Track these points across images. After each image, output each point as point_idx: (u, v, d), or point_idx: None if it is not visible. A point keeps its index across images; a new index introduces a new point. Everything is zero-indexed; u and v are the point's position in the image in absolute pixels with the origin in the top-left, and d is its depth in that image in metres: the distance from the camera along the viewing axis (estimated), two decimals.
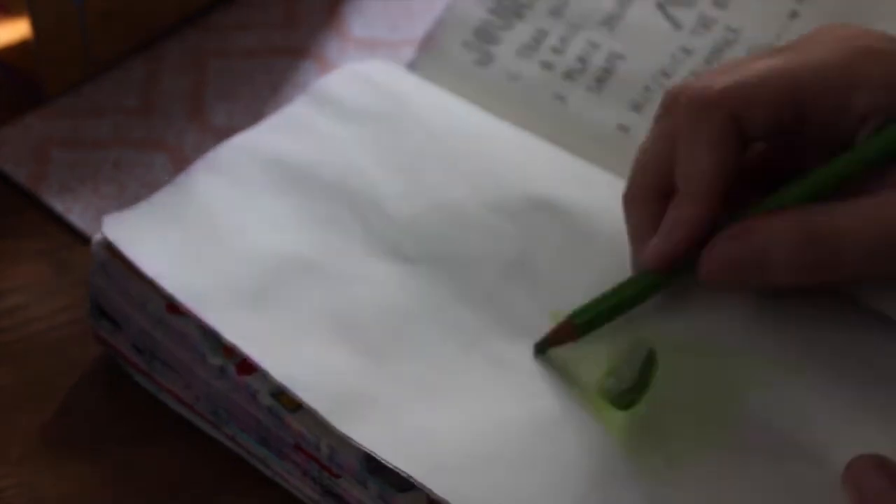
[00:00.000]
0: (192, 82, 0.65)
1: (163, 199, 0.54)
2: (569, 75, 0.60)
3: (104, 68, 0.65)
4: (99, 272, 0.53)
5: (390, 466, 0.46)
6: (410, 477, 0.46)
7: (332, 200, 0.54)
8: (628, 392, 0.49)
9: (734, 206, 0.49)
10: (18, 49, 0.65)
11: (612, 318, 0.50)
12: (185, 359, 0.51)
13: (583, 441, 0.48)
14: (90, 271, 0.53)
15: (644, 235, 0.50)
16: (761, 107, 0.48)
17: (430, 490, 0.46)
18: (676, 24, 0.61)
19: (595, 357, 0.50)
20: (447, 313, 0.51)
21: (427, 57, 0.62)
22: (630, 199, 0.50)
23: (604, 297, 0.50)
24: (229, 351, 0.50)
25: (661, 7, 0.61)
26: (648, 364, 0.50)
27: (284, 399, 0.49)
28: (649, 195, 0.50)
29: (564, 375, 0.50)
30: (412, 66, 0.62)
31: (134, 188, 0.61)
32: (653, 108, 0.59)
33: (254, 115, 0.63)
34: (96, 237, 0.53)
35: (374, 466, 0.47)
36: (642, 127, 0.58)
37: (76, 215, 0.59)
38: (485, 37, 0.62)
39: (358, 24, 0.67)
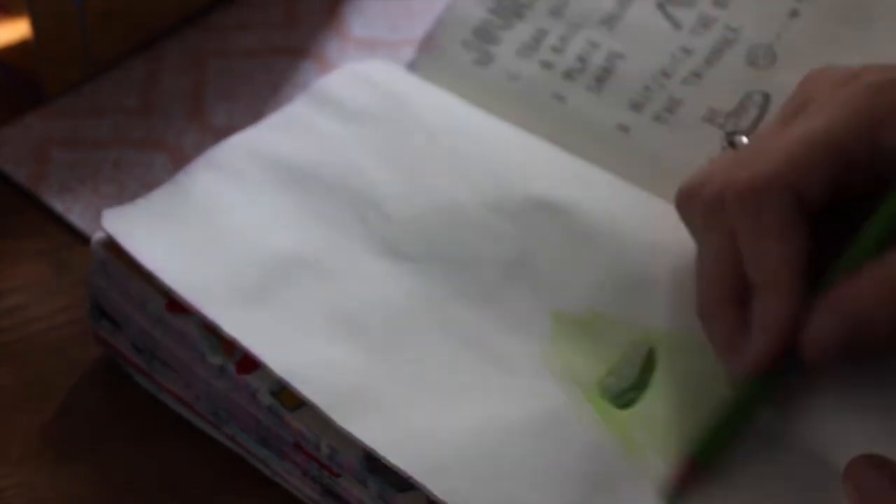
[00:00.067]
0: (192, 82, 0.65)
1: (162, 196, 0.54)
2: (568, 75, 0.60)
3: (104, 68, 0.65)
4: (99, 272, 0.53)
5: (390, 465, 0.46)
6: (410, 476, 0.46)
7: (332, 200, 0.54)
8: (628, 392, 0.49)
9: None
10: (18, 49, 0.65)
11: (732, 441, 0.48)
12: (184, 358, 0.51)
13: (583, 441, 0.48)
14: (90, 271, 0.53)
15: (733, 343, 0.48)
16: (815, 175, 0.47)
17: (429, 490, 0.46)
18: (676, 24, 0.61)
19: (595, 357, 0.50)
20: (447, 313, 0.51)
21: (427, 57, 0.62)
22: (707, 313, 0.48)
23: (718, 424, 0.47)
24: (229, 350, 0.50)
25: (660, 7, 0.61)
26: (648, 364, 0.50)
27: (284, 398, 0.49)
28: (725, 304, 0.48)
29: (564, 375, 0.50)
30: (412, 66, 0.62)
31: (134, 188, 0.61)
32: (653, 108, 0.59)
33: (254, 115, 0.63)
34: (96, 236, 0.53)
35: (373, 466, 0.47)
36: (642, 126, 0.58)
37: (76, 215, 0.59)
38: (485, 36, 0.62)
39: (358, 24, 0.67)
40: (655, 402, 0.49)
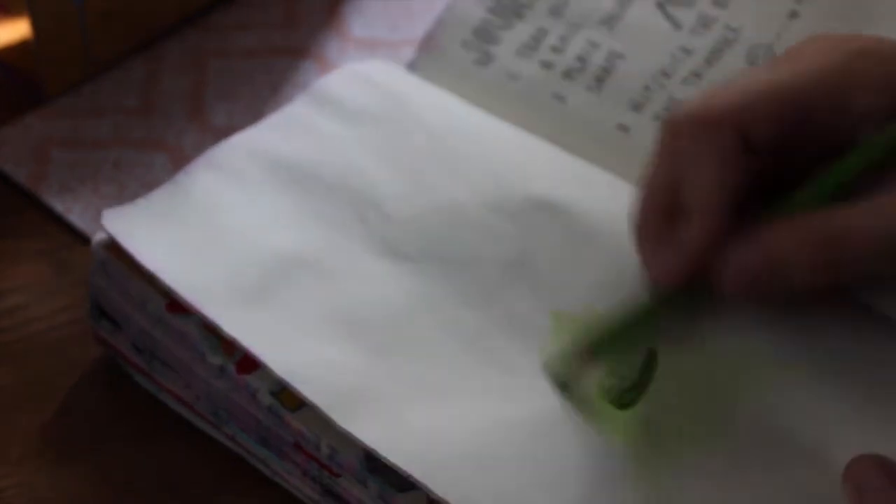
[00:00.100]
0: (192, 82, 0.65)
1: (162, 196, 0.54)
2: (568, 75, 0.60)
3: (104, 68, 0.65)
4: (99, 272, 0.53)
5: (390, 465, 0.46)
6: (410, 476, 0.46)
7: (332, 200, 0.54)
8: (628, 392, 0.49)
9: (741, 219, 0.49)
10: (18, 49, 0.65)
11: (624, 339, 0.49)
12: (184, 358, 0.51)
13: (583, 441, 0.48)
14: (90, 271, 0.53)
15: (655, 255, 0.49)
16: (765, 120, 0.48)
17: (429, 490, 0.46)
18: (676, 24, 0.61)
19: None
20: (447, 313, 0.51)
21: (427, 57, 0.62)
22: (639, 222, 0.50)
23: (620, 320, 0.49)
24: (229, 350, 0.50)
25: (660, 6, 0.61)
26: (648, 364, 0.50)
27: (284, 398, 0.49)
28: (658, 216, 0.50)
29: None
30: (412, 66, 0.62)
31: (134, 188, 0.61)
32: (653, 108, 0.59)
33: (254, 115, 0.63)
34: (96, 236, 0.53)
35: (374, 466, 0.47)
36: (642, 126, 0.58)
37: (76, 215, 0.60)
38: (484, 36, 0.62)
39: (358, 24, 0.67)
40: (655, 403, 0.49)
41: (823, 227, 0.47)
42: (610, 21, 0.61)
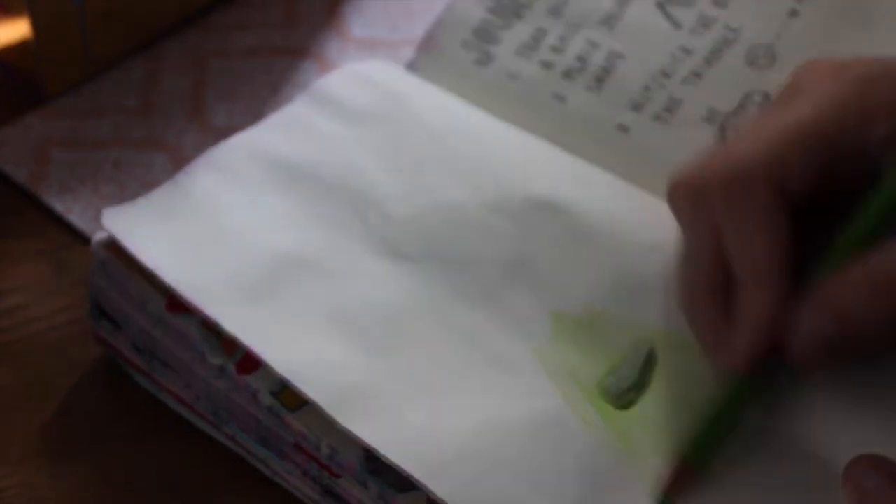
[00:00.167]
0: (192, 82, 0.65)
1: (162, 195, 0.54)
2: (568, 75, 0.60)
3: (104, 68, 0.65)
4: (99, 272, 0.53)
5: (390, 464, 0.46)
6: (410, 476, 0.46)
7: (332, 200, 0.54)
8: (628, 392, 0.49)
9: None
10: (18, 49, 0.65)
11: (723, 440, 0.47)
12: (184, 358, 0.51)
13: (582, 441, 0.48)
14: (90, 271, 0.53)
15: (718, 339, 0.47)
16: (799, 168, 0.47)
17: (429, 490, 0.46)
18: (676, 24, 0.61)
19: (595, 357, 0.50)
20: (447, 313, 0.51)
21: (427, 57, 0.62)
22: (690, 305, 0.48)
23: (708, 425, 0.47)
24: (229, 350, 0.50)
25: (660, 6, 0.61)
26: (648, 364, 0.50)
27: (285, 398, 0.49)
28: (708, 294, 0.47)
29: (564, 375, 0.50)
30: (412, 66, 0.62)
31: (134, 188, 0.61)
32: (653, 108, 0.59)
33: (254, 115, 0.63)
34: (96, 236, 0.53)
35: (374, 467, 0.47)
36: (642, 126, 0.58)
37: (76, 215, 0.60)
38: (484, 36, 0.62)
39: (358, 24, 0.67)
40: (655, 403, 0.49)
41: (881, 269, 0.45)
42: (610, 21, 0.61)
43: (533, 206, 0.54)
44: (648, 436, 0.48)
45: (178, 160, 0.61)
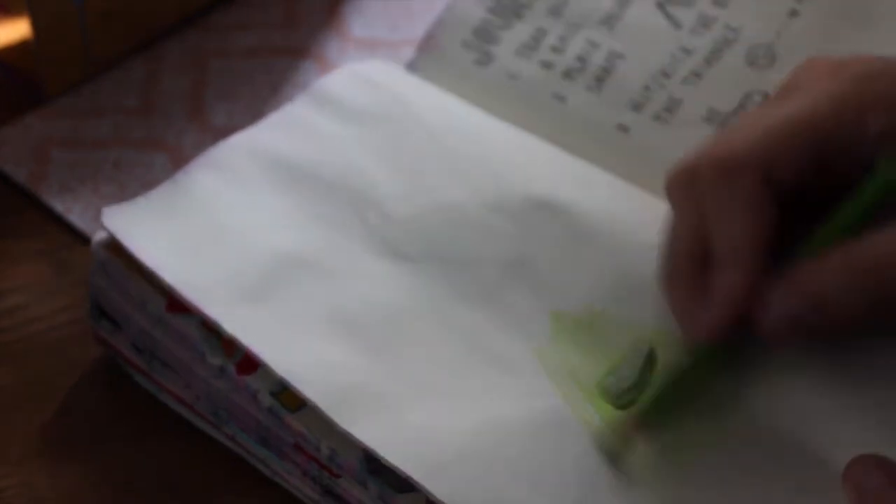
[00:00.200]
0: (192, 82, 0.65)
1: (162, 195, 0.54)
2: (568, 75, 0.60)
3: (104, 68, 0.65)
4: (99, 272, 0.53)
5: (390, 466, 0.46)
6: (409, 477, 0.46)
7: (332, 200, 0.54)
8: (628, 392, 0.49)
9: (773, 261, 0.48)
10: (18, 49, 0.65)
11: (679, 406, 0.48)
12: (184, 358, 0.51)
13: (583, 442, 0.48)
14: (90, 271, 0.53)
15: (689, 311, 0.48)
16: (788, 159, 0.47)
17: (428, 491, 0.46)
18: (676, 24, 0.61)
19: (595, 357, 0.50)
20: (447, 313, 0.51)
21: (427, 57, 0.62)
22: (668, 278, 0.49)
23: (665, 387, 0.48)
24: (229, 350, 0.50)
25: (660, 6, 0.61)
26: (648, 364, 0.50)
27: (285, 399, 0.49)
28: (687, 268, 0.48)
29: (564, 375, 0.50)
30: (412, 66, 0.62)
31: (134, 188, 0.61)
32: (653, 108, 0.59)
33: (254, 115, 0.63)
34: (96, 237, 0.53)
35: (373, 467, 0.47)
36: (642, 126, 0.58)
37: (76, 215, 0.59)
38: (484, 36, 0.62)
39: (358, 24, 0.67)
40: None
41: (859, 259, 0.46)
42: (610, 21, 0.61)
43: (533, 206, 0.54)
44: (648, 436, 0.48)
45: (178, 160, 0.61)
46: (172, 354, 0.51)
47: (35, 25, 0.61)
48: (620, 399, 0.49)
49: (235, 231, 0.53)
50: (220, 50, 0.66)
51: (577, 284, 0.52)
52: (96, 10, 0.63)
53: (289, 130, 0.57)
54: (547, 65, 0.60)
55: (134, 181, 0.61)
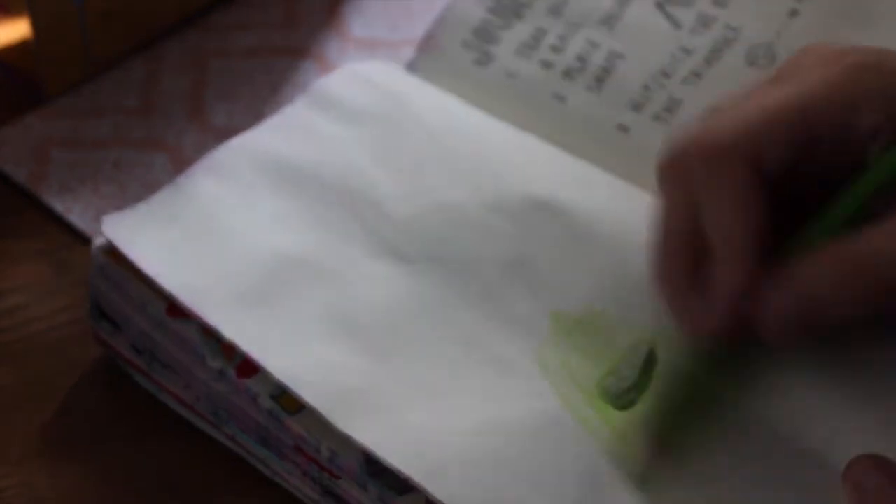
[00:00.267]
0: (192, 82, 0.65)
1: (162, 200, 0.54)
2: (568, 74, 0.60)
3: (104, 68, 0.65)
4: (98, 275, 0.53)
5: (390, 467, 0.46)
6: (409, 478, 0.46)
7: (332, 201, 0.54)
8: (628, 392, 0.49)
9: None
10: (18, 49, 0.65)
11: (683, 409, 0.48)
12: (184, 361, 0.51)
13: (582, 442, 0.48)
14: (90, 273, 0.53)
15: (688, 306, 0.48)
16: (776, 146, 0.47)
17: (428, 492, 0.46)
18: (676, 23, 0.61)
19: (595, 357, 0.50)
20: (447, 314, 0.51)
21: (427, 57, 0.62)
22: (662, 273, 0.48)
23: (677, 402, 0.48)
24: (229, 354, 0.50)
25: (660, 6, 0.61)
26: (648, 364, 0.50)
27: (284, 402, 0.49)
28: (681, 262, 0.48)
29: (564, 375, 0.50)
30: (412, 66, 0.62)
31: (134, 188, 0.61)
32: (653, 108, 0.59)
33: (254, 115, 0.63)
34: (96, 241, 0.53)
35: (374, 469, 0.47)
36: (642, 126, 0.58)
37: (76, 215, 0.60)
38: (484, 36, 0.62)
39: (358, 24, 0.67)
40: (655, 403, 0.49)
41: (852, 255, 0.46)
42: (609, 21, 0.61)
43: (533, 206, 0.54)
44: (648, 436, 0.48)
45: (178, 160, 0.61)
46: (172, 356, 0.51)
47: (35, 25, 0.61)
48: (620, 399, 0.49)
49: (235, 235, 0.53)
50: (220, 50, 0.66)
51: (577, 284, 0.52)
52: (96, 10, 0.63)
53: (289, 132, 0.57)
54: (547, 64, 0.60)
55: (134, 181, 0.61)
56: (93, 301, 0.53)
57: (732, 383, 0.49)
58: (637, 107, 0.59)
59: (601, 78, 0.60)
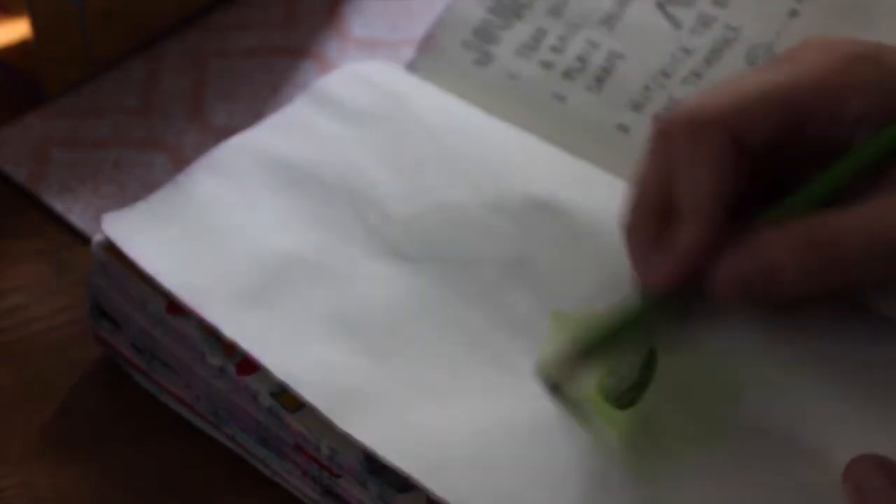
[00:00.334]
0: (192, 82, 0.65)
1: (162, 199, 0.54)
2: (568, 75, 0.60)
3: (104, 68, 0.65)
4: (99, 273, 0.53)
5: (390, 466, 0.46)
6: (410, 476, 0.46)
7: (332, 200, 0.54)
8: (628, 392, 0.49)
9: (736, 222, 0.49)
10: (18, 49, 0.65)
11: (616, 342, 0.49)
12: (184, 358, 0.51)
13: (582, 441, 0.48)
14: (90, 272, 0.53)
15: (646, 258, 0.49)
16: (759, 122, 0.48)
17: (429, 490, 0.46)
18: (676, 23, 0.61)
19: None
20: (447, 313, 0.51)
21: (427, 57, 0.62)
22: (630, 225, 0.50)
23: (608, 323, 0.49)
24: (229, 351, 0.50)
25: (660, 6, 0.61)
26: (648, 364, 0.50)
27: (284, 400, 0.49)
28: (649, 217, 0.49)
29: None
30: (412, 66, 0.62)
31: (134, 188, 0.61)
32: (653, 108, 0.59)
33: (254, 115, 0.63)
34: (96, 238, 0.53)
35: (374, 467, 0.47)
36: (642, 126, 0.58)
37: (76, 215, 0.60)
38: (484, 36, 0.62)
39: (358, 24, 0.67)
40: (655, 403, 0.49)
41: (814, 232, 0.47)
42: (610, 21, 0.61)
43: (533, 206, 0.54)
44: (648, 436, 0.48)
45: (178, 160, 0.61)
46: (172, 355, 0.51)
47: (35, 25, 0.61)
48: (620, 399, 0.49)
49: (235, 234, 0.53)
50: (220, 50, 0.66)
51: (577, 284, 0.52)
52: (96, 10, 0.63)
53: (289, 131, 0.57)
54: (547, 65, 0.60)
55: (134, 181, 0.61)
56: (93, 299, 0.53)
57: (678, 334, 0.50)
58: (637, 107, 0.59)
59: (601, 78, 0.60)
